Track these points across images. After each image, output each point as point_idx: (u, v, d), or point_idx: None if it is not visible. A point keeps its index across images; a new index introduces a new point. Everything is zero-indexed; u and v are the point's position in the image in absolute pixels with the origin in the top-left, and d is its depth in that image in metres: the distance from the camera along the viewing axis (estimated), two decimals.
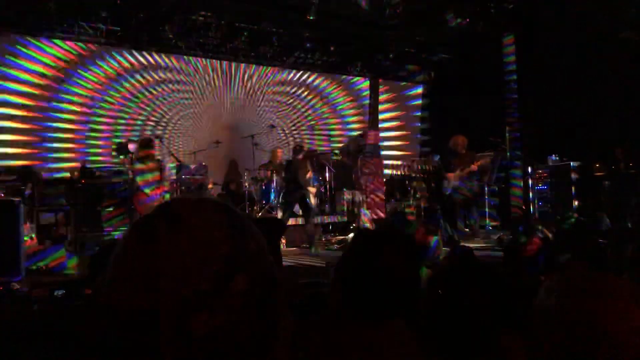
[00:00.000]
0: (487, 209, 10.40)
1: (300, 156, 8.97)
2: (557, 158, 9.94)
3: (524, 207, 10.00)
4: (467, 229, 8.99)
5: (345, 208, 10.49)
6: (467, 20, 10.02)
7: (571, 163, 9.61)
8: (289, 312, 1.00)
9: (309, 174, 9.01)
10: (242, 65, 12.10)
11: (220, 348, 0.77)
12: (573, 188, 9.52)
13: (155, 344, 0.75)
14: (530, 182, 10.08)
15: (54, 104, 10.12)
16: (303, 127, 12.85)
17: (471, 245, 8.13)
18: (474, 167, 8.86)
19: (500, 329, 1.56)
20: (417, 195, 10.82)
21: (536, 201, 10.02)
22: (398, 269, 1.57)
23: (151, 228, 0.81)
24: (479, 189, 9.79)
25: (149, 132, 10.65)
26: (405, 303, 1.56)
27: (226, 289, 0.78)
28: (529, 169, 10.10)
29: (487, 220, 10.31)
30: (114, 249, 0.83)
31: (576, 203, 9.43)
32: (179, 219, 0.81)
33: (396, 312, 1.54)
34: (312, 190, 8.92)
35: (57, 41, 10.05)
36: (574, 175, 9.55)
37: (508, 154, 10.26)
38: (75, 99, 10.31)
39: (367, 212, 10.22)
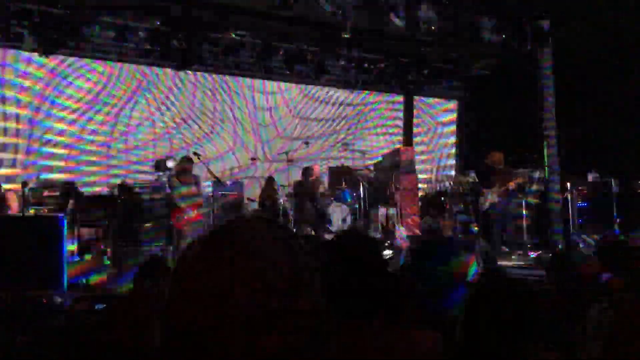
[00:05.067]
0: (524, 226, 10.19)
1: (313, 177, 9.40)
2: (597, 175, 9.73)
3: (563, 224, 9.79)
4: (504, 246, 8.85)
5: (379, 224, 10.44)
6: (503, 36, 9.94)
7: (612, 179, 9.39)
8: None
9: (322, 188, 9.41)
10: (277, 82, 12.25)
11: None
12: (614, 205, 9.29)
13: None
14: (569, 198, 9.87)
15: (95, 120, 10.41)
16: (337, 144, 12.89)
17: (508, 263, 8.01)
18: (511, 184, 8.74)
19: (536, 346, 1.55)
20: (453, 212, 10.70)
21: (576, 218, 9.80)
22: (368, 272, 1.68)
23: (217, 248, 0.82)
24: (516, 205, 9.64)
25: (187, 149, 10.84)
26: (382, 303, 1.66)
27: (293, 309, 0.78)
28: (568, 185, 9.89)
29: (525, 238, 10.10)
30: (177, 267, 0.84)
31: (618, 220, 9.18)
32: (244, 238, 0.82)
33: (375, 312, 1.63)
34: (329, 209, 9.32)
35: (88, 60, 10.34)
36: (615, 191, 9.32)
37: (546, 170, 10.07)
38: (113, 116, 10.59)
39: (402, 228, 10.15)
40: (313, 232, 9.23)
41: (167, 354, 0.79)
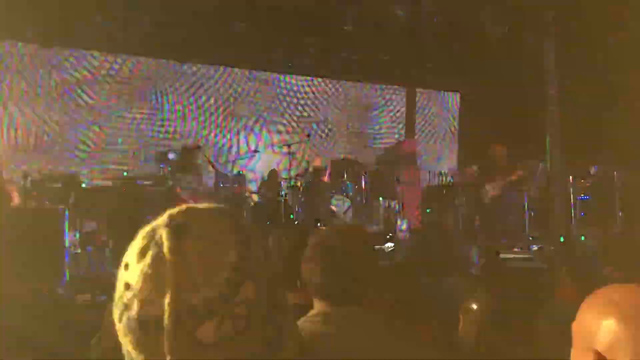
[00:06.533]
0: (526, 219, 10.17)
1: (318, 170, 9.58)
2: (600, 168, 9.69)
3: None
4: (506, 239, 8.83)
5: (381, 217, 10.44)
6: (507, 28, 9.89)
7: (615, 172, 9.35)
8: (295, 319, 1.01)
9: (325, 179, 9.59)
10: (278, 75, 12.22)
11: (227, 356, 0.78)
12: (617, 198, 9.26)
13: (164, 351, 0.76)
14: (572, 191, 9.84)
15: (96, 112, 10.40)
16: (339, 136, 12.88)
17: (510, 255, 8.01)
18: (513, 177, 8.71)
19: None
20: (455, 205, 10.68)
21: (579, 211, 9.78)
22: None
23: (158, 237, 0.83)
24: (518, 198, 9.62)
25: (188, 141, 10.83)
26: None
27: (234, 297, 0.78)
28: (571, 178, 9.87)
29: (527, 230, 10.09)
30: (126, 257, 0.87)
31: (620, 214, 9.16)
32: (185, 228, 0.83)
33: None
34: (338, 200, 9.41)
35: (96, 54, 10.33)
36: (618, 185, 9.29)
37: (548, 162, 10.04)
38: (116, 112, 10.58)
39: (404, 221, 10.14)
40: (322, 226, 9.25)
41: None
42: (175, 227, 0.83)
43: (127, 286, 0.83)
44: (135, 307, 0.80)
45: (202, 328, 0.76)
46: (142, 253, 0.84)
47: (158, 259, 0.81)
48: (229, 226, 0.85)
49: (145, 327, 0.78)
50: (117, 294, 0.86)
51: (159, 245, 0.82)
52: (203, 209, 0.88)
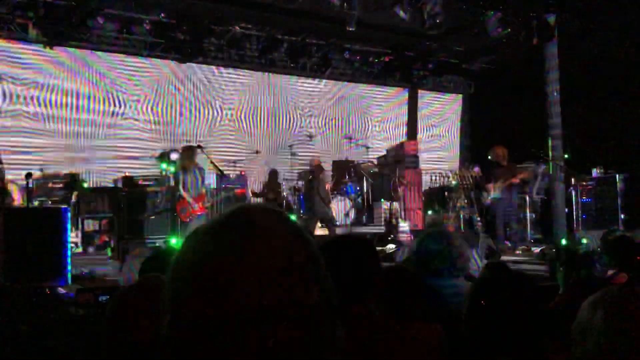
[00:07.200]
0: (528, 221, 10.18)
1: (320, 174, 9.44)
2: (602, 171, 9.69)
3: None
4: (508, 241, 8.84)
5: (383, 219, 10.44)
6: (509, 29, 9.89)
7: (617, 175, 9.35)
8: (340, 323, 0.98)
9: (328, 186, 9.54)
10: (281, 75, 12.21)
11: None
12: (619, 200, 9.25)
13: (226, 353, 0.73)
14: (573, 194, 9.83)
15: (99, 112, 10.41)
16: (341, 137, 12.87)
17: (512, 258, 8.00)
18: (515, 179, 8.71)
19: (545, 341, 1.55)
20: (457, 207, 10.68)
21: (580, 214, 9.77)
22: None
23: (226, 234, 0.78)
24: (520, 201, 9.61)
25: (190, 142, 10.83)
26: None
27: (303, 300, 0.75)
28: (572, 181, 9.86)
29: (529, 233, 10.09)
30: (181, 254, 0.80)
31: (622, 216, 9.15)
32: (255, 227, 0.78)
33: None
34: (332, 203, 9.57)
35: (100, 53, 10.33)
36: (620, 187, 9.28)
37: (550, 165, 10.04)
38: (116, 109, 10.58)
39: (405, 222, 10.15)
40: (323, 226, 9.27)
41: (173, 345, 0.76)
42: (245, 225, 0.78)
43: None
44: None
45: (273, 331, 0.72)
46: (209, 250, 0.79)
47: (228, 257, 0.76)
48: (294, 227, 0.81)
49: None
50: None
51: (229, 243, 0.77)
52: (266, 208, 0.84)
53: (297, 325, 0.74)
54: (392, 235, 10.02)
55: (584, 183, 9.78)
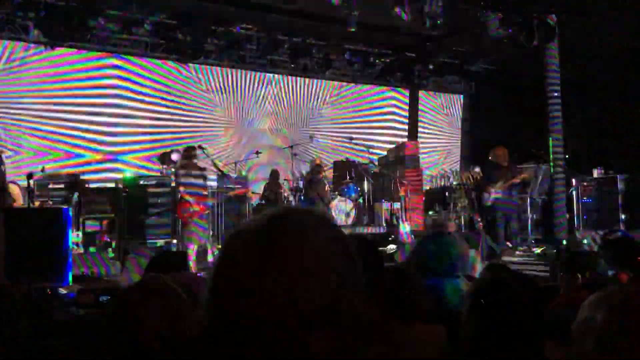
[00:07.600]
0: (529, 222, 10.17)
1: (320, 175, 9.53)
2: (602, 171, 9.68)
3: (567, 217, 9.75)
4: (509, 242, 8.83)
5: (384, 219, 10.43)
6: (509, 30, 9.88)
7: (618, 175, 9.34)
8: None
9: (327, 188, 9.66)
10: (282, 76, 12.22)
11: None
12: (620, 201, 9.25)
13: (260, 357, 0.71)
14: (574, 194, 9.83)
15: (99, 112, 10.42)
16: (342, 138, 12.87)
17: (512, 259, 8.00)
18: (516, 179, 8.70)
19: (543, 341, 1.56)
20: (458, 207, 10.68)
21: (581, 214, 9.77)
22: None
23: (270, 237, 0.77)
24: (521, 201, 9.60)
25: (191, 142, 10.83)
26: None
27: (344, 307, 0.73)
28: (573, 181, 9.85)
29: (530, 233, 10.08)
30: (225, 254, 0.79)
31: (623, 216, 9.15)
32: (297, 231, 0.77)
33: None
34: (333, 204, 9.64)
35: (93, 52, 10.32)
36: (620, 188, 9.28)
37: (551, 165, 10.03)
38: (117, 109, 10.60)
39: (406, 223, 10.14)
40: None
41: (210, 344, 0.75)
42: (292, 229, 0.77)
43: None
44: None
45: (313, 337, 0.71)
46: (251, 252, 0.77)
47: (274, 262, 0.75)
48: (336, 232, 0.80)
49: None
50: None
51: (274, 248, 0.76)
52: (310, 212, 0.83)
53: (341, 333, 0.72)
54: (392, 236, 10.02)
55: (585, 183, 9.78)
